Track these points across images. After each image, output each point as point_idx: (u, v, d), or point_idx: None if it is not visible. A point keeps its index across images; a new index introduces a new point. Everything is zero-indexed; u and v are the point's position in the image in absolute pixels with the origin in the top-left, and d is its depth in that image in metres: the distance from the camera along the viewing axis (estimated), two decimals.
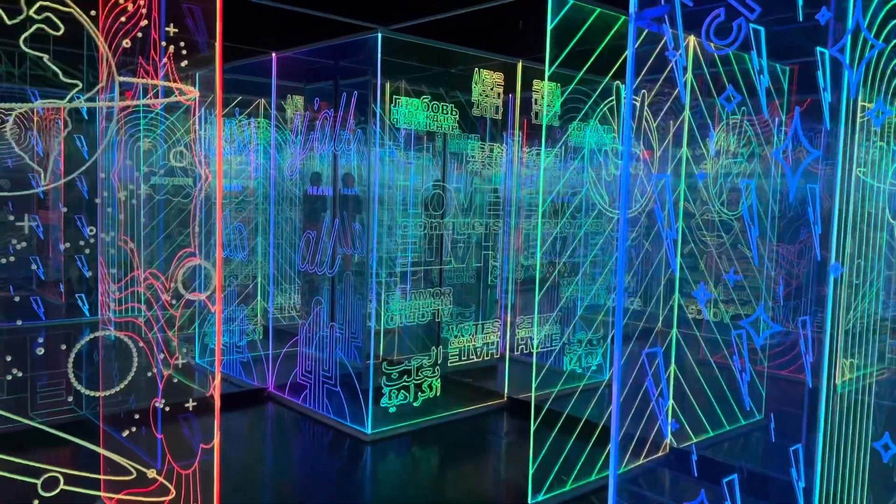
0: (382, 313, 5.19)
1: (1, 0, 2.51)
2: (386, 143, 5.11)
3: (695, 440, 4.46)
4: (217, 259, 2.99)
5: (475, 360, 5.82)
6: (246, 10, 5.83)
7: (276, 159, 6.28)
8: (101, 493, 3.14)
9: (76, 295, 7.91)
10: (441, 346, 5.42)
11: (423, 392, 5.26)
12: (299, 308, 6.31)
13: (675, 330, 4.38)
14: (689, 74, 3.97)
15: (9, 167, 7.23)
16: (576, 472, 4.07)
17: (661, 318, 4.43)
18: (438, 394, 5.36)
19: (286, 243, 6.84)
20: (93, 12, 2.54)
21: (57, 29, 2.36)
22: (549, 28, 3.71)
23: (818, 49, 2.19)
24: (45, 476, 2.52)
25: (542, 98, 5.82)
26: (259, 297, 6.48)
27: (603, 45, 3.89)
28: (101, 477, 3.00)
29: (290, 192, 6.60)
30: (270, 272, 6.34)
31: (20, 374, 2.52)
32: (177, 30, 2.79)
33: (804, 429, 2.75)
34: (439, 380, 5.36)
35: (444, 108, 5.25)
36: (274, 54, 5.75)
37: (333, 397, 5.24)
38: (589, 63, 3.91)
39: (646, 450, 4.04)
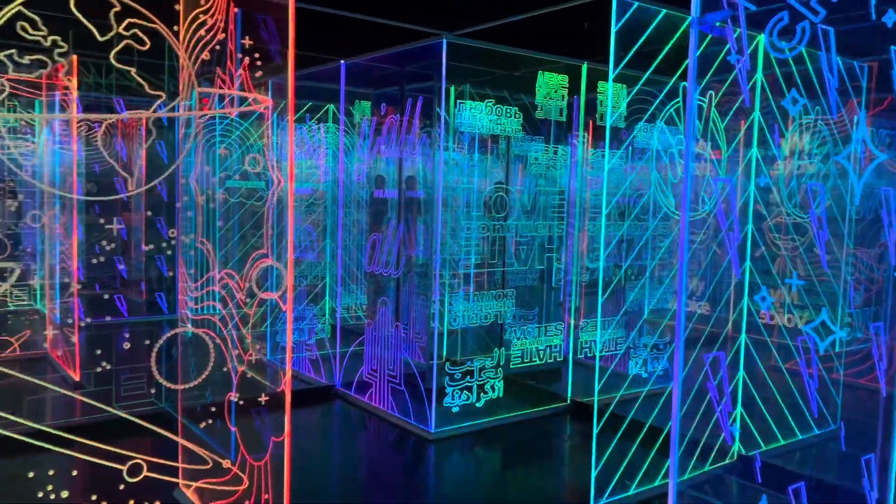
0: (446, 314, 5.26)
1: (91, 16, 2.70)
2: (450, 146, 5.19)
3: (765, 448, 4.35)
4: (288, 260, 3.11)
5: (538, 362, 5.82)
6: (316, 19, 6.01)
7: (344, 163, 6.44)
8: (179, 480, 3.31)
9: (156, 293, 8.32)
10: (504, 348, 5.45)
11: (485, 393, 5.30)
12: (365, 308, 6.45)
13: (743, 335, 4.28)
14: (759, 74, 3.88)
15: (96, 172, 7.66)
16: (639, 477, 4.04)
17: (730, 323, 4.34)
18: (501, 395, 5.39)
19: (353, 245, 7.01)
20: (175, 27, 2.70)
21: (143, 44, 2.51)
22: (613, 30, 3.69)
23: (892, 48, 2.12)
24: (130, 463, 2.68)
25: (607, 100, 5.78)
26: (327, 297, 6.66)
27: (669, 46, 3.84)
28: (180, 465, 3.16)
29: (358, 195, 6.76)
30: (338, 273, 6.50)
31: (108, 367, 2.69)
32: (252, 41, 2.93)
33: (879, 438, 2.66)
34: (502, 381, 5.39)
35: (508, 111, 5.29)
36: (343, 62, 5.90)
37: (398, 396, 5.34)
38: (655, 64, 3.88)
39: (712, 456, 3.96)
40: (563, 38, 6.99)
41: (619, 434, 4.07)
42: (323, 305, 6.65)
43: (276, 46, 3.11)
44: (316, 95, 6.54)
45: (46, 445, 2.51)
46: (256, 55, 2.94)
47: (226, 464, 3.05)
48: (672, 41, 3.84)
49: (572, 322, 6.31)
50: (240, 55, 2.98)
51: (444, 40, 4.78)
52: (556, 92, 5.56)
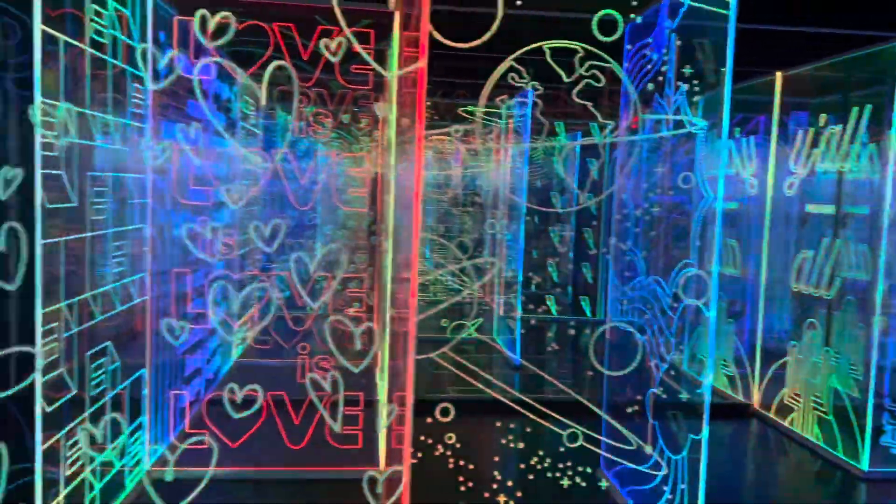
0: (890, 346, 4.72)
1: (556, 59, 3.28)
2: None
3: None
4: (712, 271, 3.29)
5: None
6: (751, 35, 5.94)
7: (773, 176, 6.23)
8: (602, 453, 3.74)
9: (580, 297, 9.14)
10: None
11: None
12: (790, 329, 6.13)
13: None
14: None
15: (537, 188, 8.81)
16: None
17: None
18: None
19: (778, 261, 6.69)
20: (626, 64, 3.12)
21: (599, 81, 2.99)
22: None
23: None
24: (569, 431, 3.20)
25: None
26: (748, 314, 6.50)
27: None
28: (603, 439, 3.58)
29: (786, 211, 6.45)
30: (762, 290, 6.31)
31: (556, 348, 3.24)
32: (691, 70, 3.19)
33: None
34: None
35: None
36: (778, 73, 5.75)
37: (824, 425, 4.99)
38: None
39: None
40: None
41: None
42: (743, 322, 6.52)
43: (711, 67, 3.32)
44: (746, 108, 6.47)
45: (520, 409, 3.17)
46: (694, 82, 3.20)
47: (648, 449, 3.37)
48: None
49: None
50: (678, 82, 3.27)
51: None
52: None
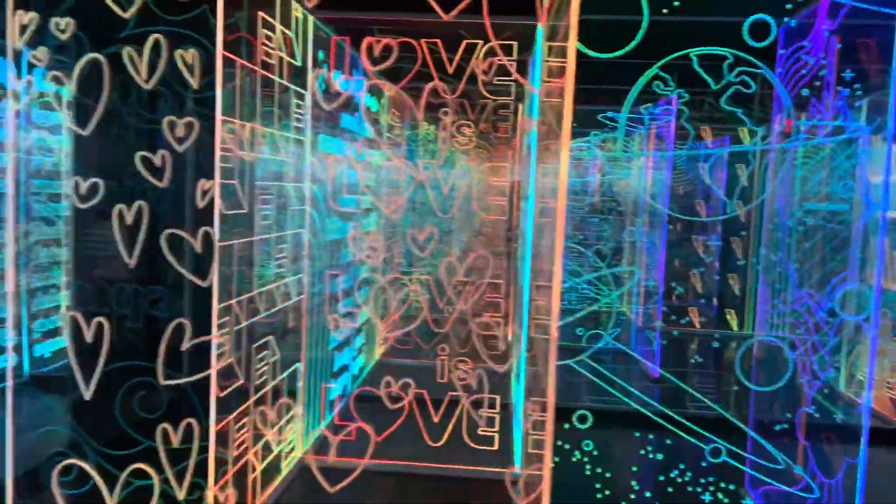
0: None
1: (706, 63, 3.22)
2: None
3: None
4: (874, 284, 3.08)
5: None
6: None
7: None
8: (747, 470, 3.58)
9: (726, 309, 8.72)
10: None
11: None
12: None
13: None
14: None
15: (681, 195, 8.53)
16: None
17: None
18: None
19: None
20: (779, 68, 3.01)
21: (748, 87, 2.91)
22: None
23: None
24: (712, 445, 3.12)
25: None
26: None
27: None
28: (749, 456, 3.44)
29: None
30: None
31: (700, 361, 3.17)
32: (853, 73, 3.02)
33: None
34: None
35: None
36: None
37: None
38: None
39: None
40: None
41: None
42: None
43: (877, 66, 3.12)
44: None
45: (661, 421, 3.15)
46: (855, 84, 3.02)
47: (798, 471, 3.21)
48: None
49: None
50: (837, 86, 3.10)
51: None
52: None
